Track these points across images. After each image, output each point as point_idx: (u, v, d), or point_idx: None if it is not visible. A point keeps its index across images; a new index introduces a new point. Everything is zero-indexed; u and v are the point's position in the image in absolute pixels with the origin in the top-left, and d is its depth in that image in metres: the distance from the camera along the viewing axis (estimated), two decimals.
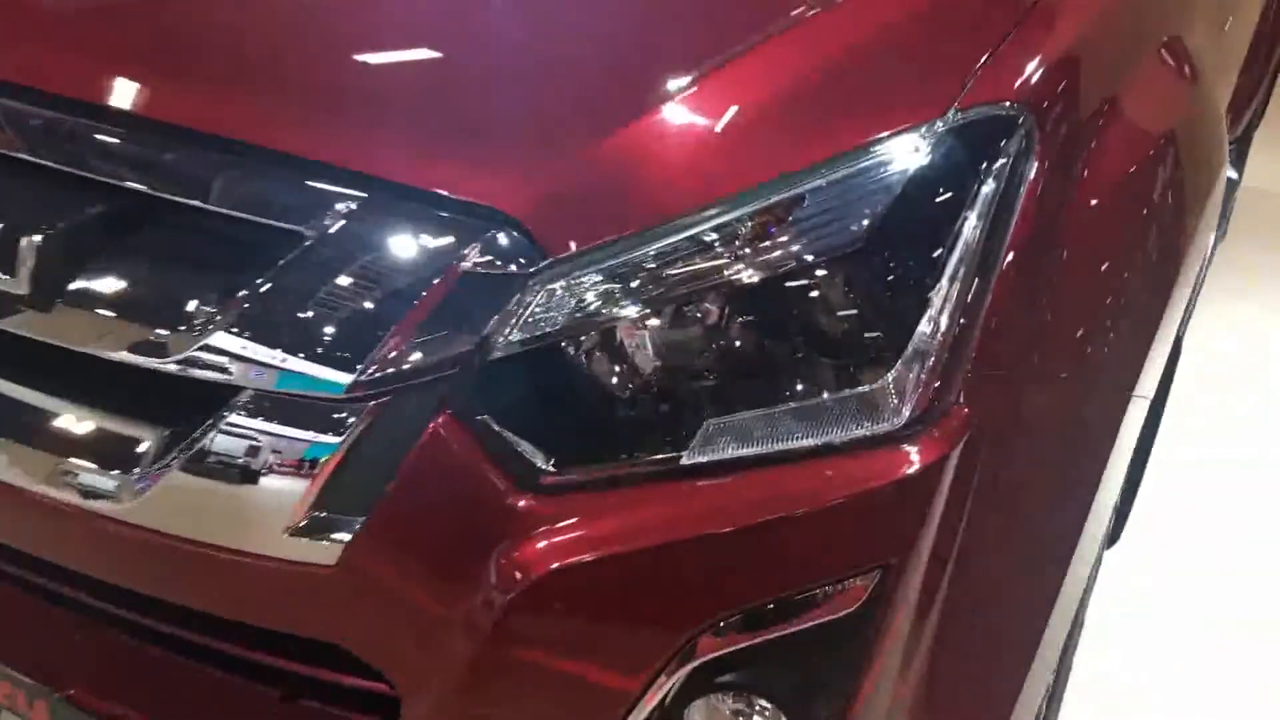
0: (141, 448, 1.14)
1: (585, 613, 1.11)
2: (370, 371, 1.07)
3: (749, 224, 1.09)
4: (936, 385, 1.11)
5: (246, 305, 1.09)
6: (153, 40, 1.27)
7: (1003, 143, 1.15)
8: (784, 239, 1.09)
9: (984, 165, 1.14)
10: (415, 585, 1.12)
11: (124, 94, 1.20)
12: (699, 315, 1.10)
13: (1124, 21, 1.47)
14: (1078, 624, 1.67)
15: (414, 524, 1.10)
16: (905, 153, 1.12)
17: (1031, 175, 1.16)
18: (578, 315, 1.08)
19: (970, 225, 1.12)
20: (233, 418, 1.10)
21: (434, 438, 1.07)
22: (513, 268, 1.08)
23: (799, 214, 1.10)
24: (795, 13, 1.25)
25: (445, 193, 1.09)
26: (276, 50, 1.26)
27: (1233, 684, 2.31)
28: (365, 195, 1.11)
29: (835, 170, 1.10)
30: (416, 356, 1.07)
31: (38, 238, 1.14)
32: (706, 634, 1.10)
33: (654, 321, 1.10)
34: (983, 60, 1.20)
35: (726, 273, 1.09)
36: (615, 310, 1.09)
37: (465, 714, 1.15)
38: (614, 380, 1.10)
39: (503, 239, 1.08)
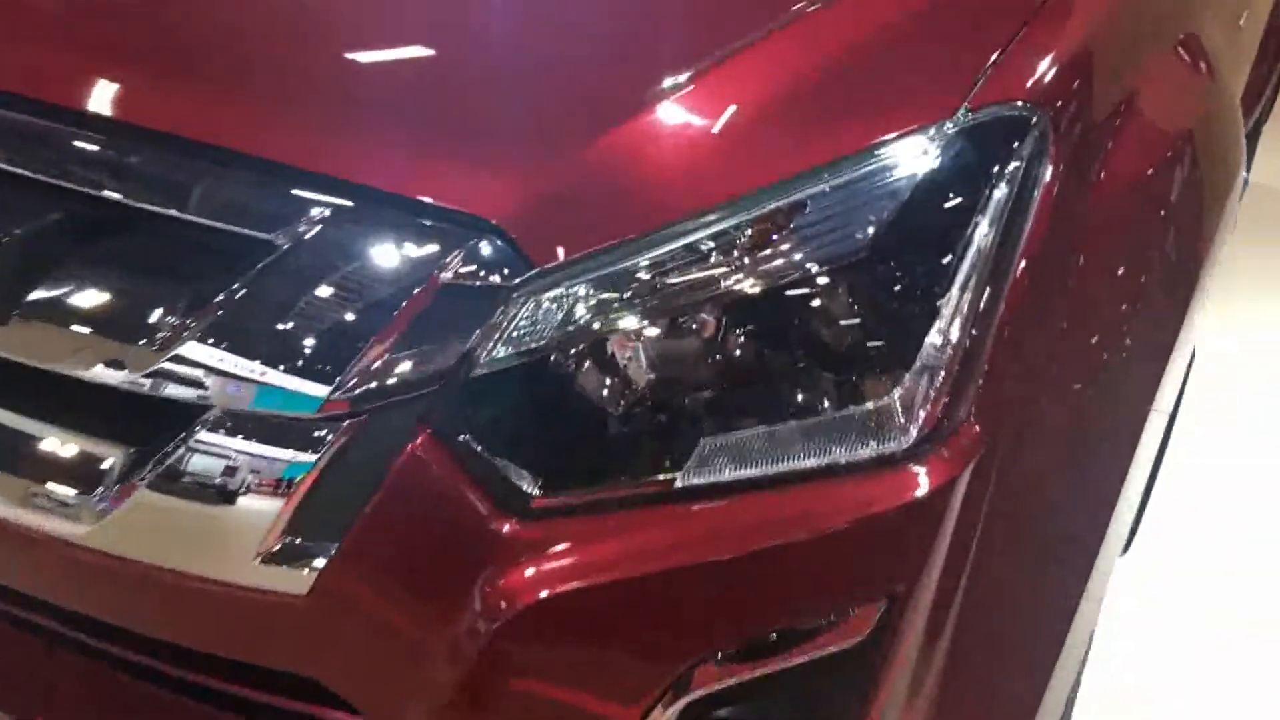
0: (103, 467, 1.09)
1: (575, 644, 1.06)
2: (344, 389, 1.02)
3: (748, 231, 1.05)
4: (946, 401, 1.07)
5: (214, 318, 1.04)
6: (116, 39, 1.21)
7: (1015, 144, 1.11)
8: (785, 247, 1.05)
9: (996, 168, 1.10)
10: (393, 617, 1.07)
11: (85, 94, 1.14)
12: (694, 328, 1.06)
13: (1139, 17, 1.44)
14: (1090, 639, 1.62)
15: (392, 551, 1.05)
16: (913, 155, 1.08)
17: (1046, 178, 1.12)
18: (566, 329, 1.04)
19: (982, 232, 1.08)
20: (199, 437, 1.05)
21: (413, 459, 1.03)
22: (496, 278, 1.03)
23: (800, 220, 1.06)
24: (796, 7, 1.21)
25: (424, 198, 1.05)
26: (248, 51, 1.21)
27: (1237, 683, 2.32)
28: (338, 202, 1.06)
29: (839, 174, 1.06)
30: (394, 373, 1.02)
31: None
32: (703, 666, 1.05)
33: (647, 335, 1.05)
34: (993, 58, 1.16)
35: (724, 283, 1.05)
36: (606, 323, 1.04)
37: None
38: (604, 398, 1.06)
39: (485, 248, 1.03)
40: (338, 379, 1.02)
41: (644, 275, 1.04)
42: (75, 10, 1.27)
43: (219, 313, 1.04)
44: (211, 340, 1.03)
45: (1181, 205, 1.37)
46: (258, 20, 1.24)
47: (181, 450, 1.05)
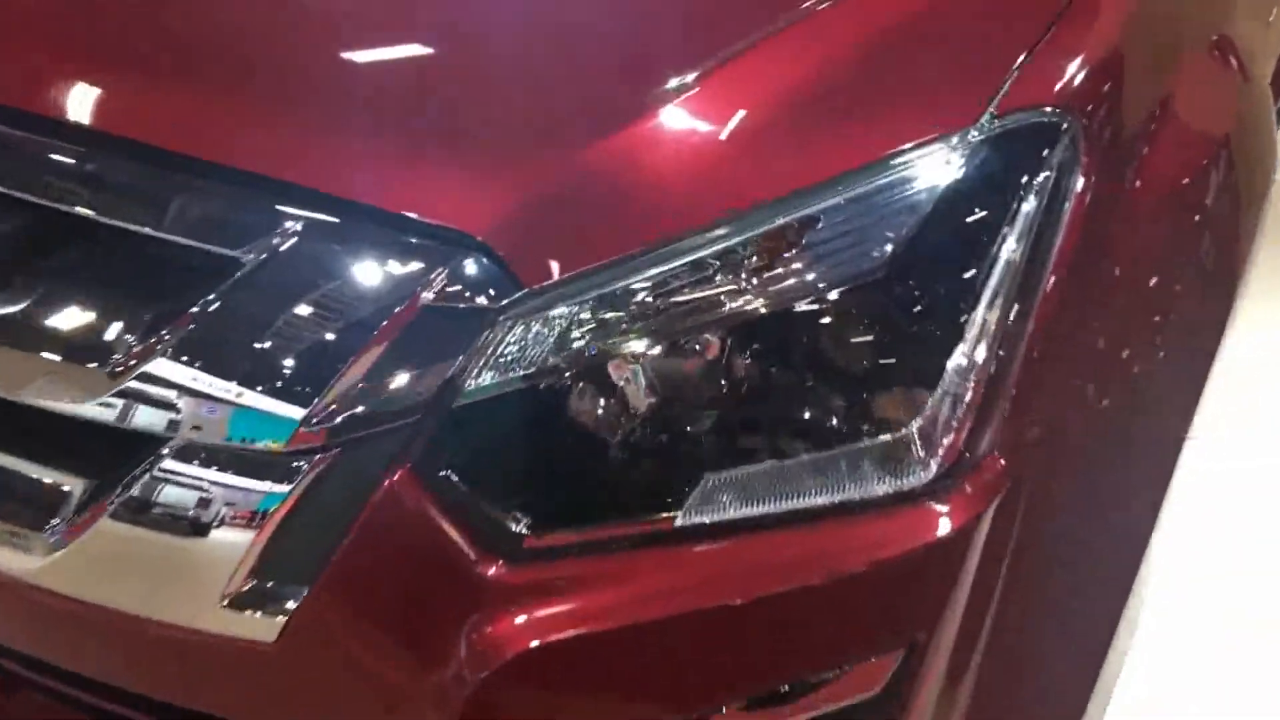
0: (57, 499, 1.02)
1: (568, 696, 1.01)
2: (317, 419, 0.95)
3: (756, 248, 1.00)
4: (969, 431, 1.02)
5: (180, 339, 0.97)
6: (80, 41, 1.15)
7: (1045, 153, 1.06)
8: (796, 265, 1.00)
9: (1024, 179, 1.05)
10: (370, 665, 1.01)
11: (46, 99, 1.08)
12: (697, 354, 1.00)
13: (1172, 16, 1.38)
14: None
15: (368, 596, 0.99)
16: (934, 166, 1.02)
17: (1078, 188, 1.07)
18: (557, 354, 0.98)
19: (1009, 248, 1.03)
20: (159, 469, 0.98)
21: (390, 497, 0.96)
22: (482, 299, 0.97)
23: (813, 237, 1.00)
24: (806, 5, 1.14)
25: (405, 213, 0.98)
26: (225, 61, 1.14)
27: (1247, 684, 2.31)
28: (313, 216, 0.99)
29: (854, 186, 1.01)
30: (370, 401, 0.96)
31: None
32: None
33: (645, 361, 0.99)
34: (1020, 60, 1.09)
35: (730, 304, 0.99)
36: (601, 348, 0.98)
37: None
38: (599, 430, 1.00)
39: (470, 266, 0.97)
40: (309, 407, 0.95)
41: (642, 296, 0.98)
42: (39, 16, 1.20)
43: (186, 333, 0.98)
44: (180, 361, 0.97)
45: (1218, 212, 1.31)
46: (234, 30, 1.18)
47: (138, 486, 0.98)
